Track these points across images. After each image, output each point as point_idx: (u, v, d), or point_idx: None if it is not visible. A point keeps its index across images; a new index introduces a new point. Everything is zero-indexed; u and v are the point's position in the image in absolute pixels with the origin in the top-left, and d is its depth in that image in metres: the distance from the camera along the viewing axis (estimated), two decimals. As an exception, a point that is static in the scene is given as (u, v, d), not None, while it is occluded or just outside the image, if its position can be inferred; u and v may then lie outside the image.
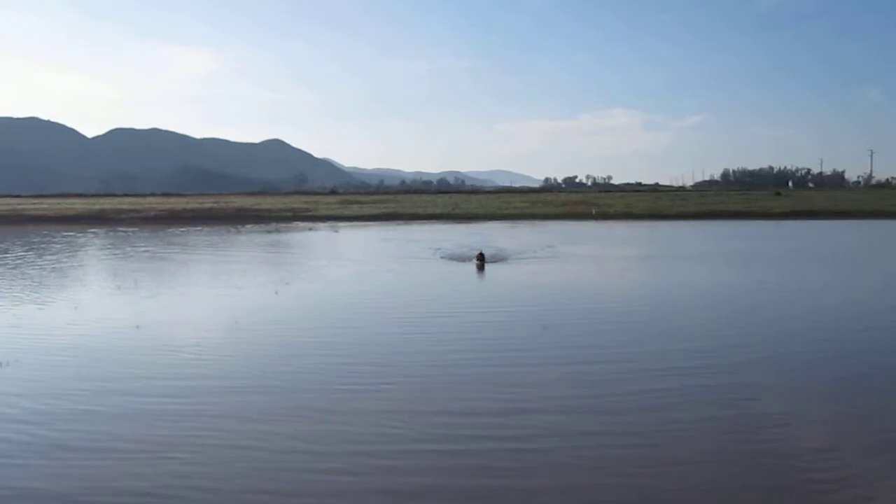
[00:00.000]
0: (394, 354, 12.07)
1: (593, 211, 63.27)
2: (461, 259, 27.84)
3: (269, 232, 47.96)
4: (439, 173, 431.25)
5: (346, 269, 25.58)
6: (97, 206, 74.55)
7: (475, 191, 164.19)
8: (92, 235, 45.51)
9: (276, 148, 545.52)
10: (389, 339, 13.33)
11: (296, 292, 19.84)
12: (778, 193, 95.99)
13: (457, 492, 6.66)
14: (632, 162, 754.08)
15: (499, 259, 27.84)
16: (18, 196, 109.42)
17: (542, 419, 8.67)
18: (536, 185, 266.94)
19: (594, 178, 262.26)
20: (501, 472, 7.11)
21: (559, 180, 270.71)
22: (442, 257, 29.08)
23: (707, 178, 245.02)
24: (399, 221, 57.29)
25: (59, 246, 37.13)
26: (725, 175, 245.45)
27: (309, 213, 66.38)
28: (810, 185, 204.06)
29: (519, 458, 7.42)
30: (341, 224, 55.19)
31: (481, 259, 26.38)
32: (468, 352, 12.34)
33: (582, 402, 9.30)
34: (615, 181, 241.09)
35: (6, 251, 33.50)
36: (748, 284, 20.97)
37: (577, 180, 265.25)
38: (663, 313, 16.37)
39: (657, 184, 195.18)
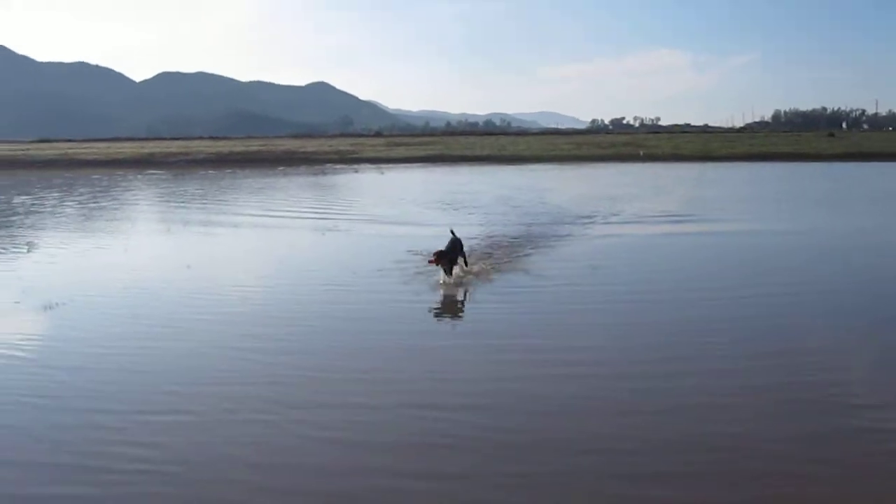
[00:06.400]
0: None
1: (641, 153, 62.31)
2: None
3: (316, 174, 48.27)
4: (485, 115, 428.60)
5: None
6: (146, 150, 75.58)
7: (521, 133, 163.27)
8: (140, 178, 46.33)
9: (321, 91, 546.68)
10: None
11: (343, 236, 19.48)
12: (831, 135, 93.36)
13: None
14: (680, 103, 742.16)
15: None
16: (70, 140, 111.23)
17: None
18: (583, 126, 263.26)
19: (642, 120, 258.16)
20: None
21: (606, 122, 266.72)
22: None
23: (758, 119, 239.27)
24: (445, 163, 57.15)
25: (112, 188, 37.98)
26: (776, 116, 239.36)
27: (354, 156, 66.48)
28: (865, 126, 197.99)
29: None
30: (387, 166, 55.20)
31: (448, 263, 12.11)
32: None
33: None
34: (663, 122, 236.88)
35: (59, 193, 34.34)
36: None
37: (624, 122, 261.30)
38: None
39: (706, 125, 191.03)
